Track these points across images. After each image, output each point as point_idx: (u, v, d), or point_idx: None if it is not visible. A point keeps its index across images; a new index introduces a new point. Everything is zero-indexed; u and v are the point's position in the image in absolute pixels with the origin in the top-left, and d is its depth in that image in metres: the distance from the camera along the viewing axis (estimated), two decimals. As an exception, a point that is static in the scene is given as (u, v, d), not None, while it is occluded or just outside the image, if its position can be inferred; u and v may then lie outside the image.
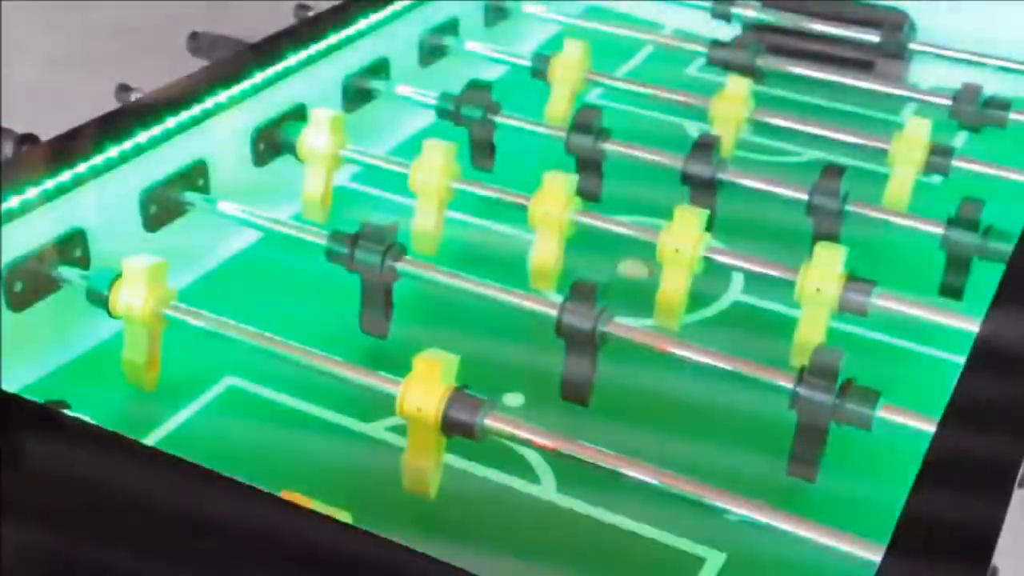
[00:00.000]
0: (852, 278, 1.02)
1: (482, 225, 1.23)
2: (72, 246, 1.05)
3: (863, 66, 1.55)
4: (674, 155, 1.22)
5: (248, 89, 1.21)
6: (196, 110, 1.16)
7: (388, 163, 1.22)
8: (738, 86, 1.34)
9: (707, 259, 1.08)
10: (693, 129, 1.42)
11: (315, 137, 1.21)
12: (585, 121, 1.25)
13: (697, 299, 1.13)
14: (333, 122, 1.21)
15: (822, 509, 0.88)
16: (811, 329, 1.03)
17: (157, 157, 1.12)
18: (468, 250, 1.22)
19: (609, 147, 1.25)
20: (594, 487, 0.92)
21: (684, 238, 1.07)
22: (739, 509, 0.83)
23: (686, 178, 1.21)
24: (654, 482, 0.85)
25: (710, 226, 1.13)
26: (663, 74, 1.52)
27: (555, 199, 1.12)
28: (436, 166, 1.16)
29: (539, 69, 1.41)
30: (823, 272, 1.02)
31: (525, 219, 1.14)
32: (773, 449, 0.95)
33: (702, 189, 1.21)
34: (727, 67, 1.45)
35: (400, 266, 1.05)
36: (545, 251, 1.12)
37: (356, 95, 1.34)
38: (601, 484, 0.89)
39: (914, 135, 1.25)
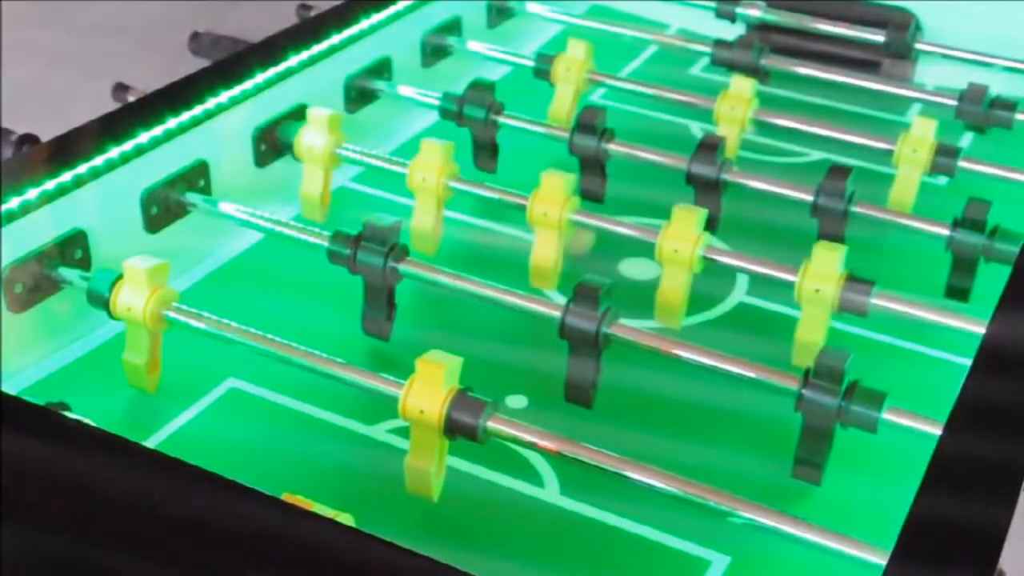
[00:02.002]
0: (852, 278, 1.02)
1: (484, 226, 1.23)
2: (73, 247, 1.05)
3: (869, 66, 1.55)
4: (678, 156, 1.22)
5: (249, 89, 1.21)
6: (197, 110, 1.16)
7: (387, 163, 1.21)
8: (742, 86, 1.34)
9: (710, 260, 1.08)
10: (697, 129, 1.42)
11: (312, 136, 1.21)
12: (588, 121, 1.25)
13: (701, 301, 1.13)
14: (330, 120, 1.21)
15: (827, 512, 0.89)
16: (811, 329, 1.03)
17: (158, 157, 1.12)
18: (470, 251, 1.22)
19: (613, 148, 1.25)
20: (597, 489, 0.92)
21: (683, 238, 1.07)
22: (744, 512, 0.83)
23: (690, 179, 1.21)
24: (658, 485, 0.85)
25: (714, 227, 1.12)
26: (667, 74, 1.52)
27: (553, 199, 1.11)
28: (434, 165, 1.16)
29: (542, 69, 1.41)
30: (822, 273, 1.02)
31: (526, 220, 1.13)
32: (778, 451, 0.95)
33: (706, 190, 1.21)
34: (731, 67, 1.45)
35: (403, 267, 1.05)
36: (544, 251, 1.13)
37: (358, 95, 1.34)
38: (604, 486, 0.89)
39: (920, 135, 1.25)
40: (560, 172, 1.13)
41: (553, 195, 1.12)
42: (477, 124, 1.30)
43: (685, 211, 1.08)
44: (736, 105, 1.32)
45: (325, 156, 1.21)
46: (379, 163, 1.22)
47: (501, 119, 1.30)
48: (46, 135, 1.13)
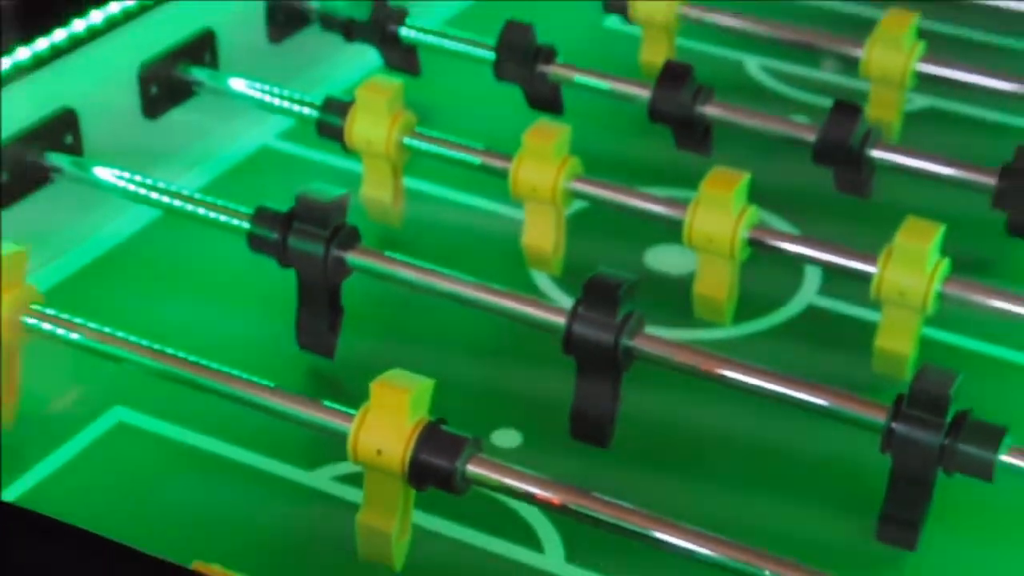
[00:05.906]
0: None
1: (464, 202, 1.25)
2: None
3: None
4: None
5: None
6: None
7: (488, 158, 1.19)
8: (901, 19, 1.29)
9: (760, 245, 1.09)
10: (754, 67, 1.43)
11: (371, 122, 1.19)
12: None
13: (755, 302, 1.14)
14: (391, 96, 1.19)
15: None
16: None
17: (155, 25, 1.18)
18: (445, 236, 1.22)
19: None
20: (615, 556, 0.92)
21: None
22: (812, 587, 0.83)
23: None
24: (697, 549, 0.84)
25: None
26: None
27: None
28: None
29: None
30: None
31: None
32: (858, 506, 0.96)
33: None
34: None
35: (352, 257, 1.05)
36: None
37: (284, 19, 1.35)
38: (624, 552, 0.89)
39: None
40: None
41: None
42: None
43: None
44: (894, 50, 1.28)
45: (391, 148, 1.19)
46: (477, 156, 1.20)
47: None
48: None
